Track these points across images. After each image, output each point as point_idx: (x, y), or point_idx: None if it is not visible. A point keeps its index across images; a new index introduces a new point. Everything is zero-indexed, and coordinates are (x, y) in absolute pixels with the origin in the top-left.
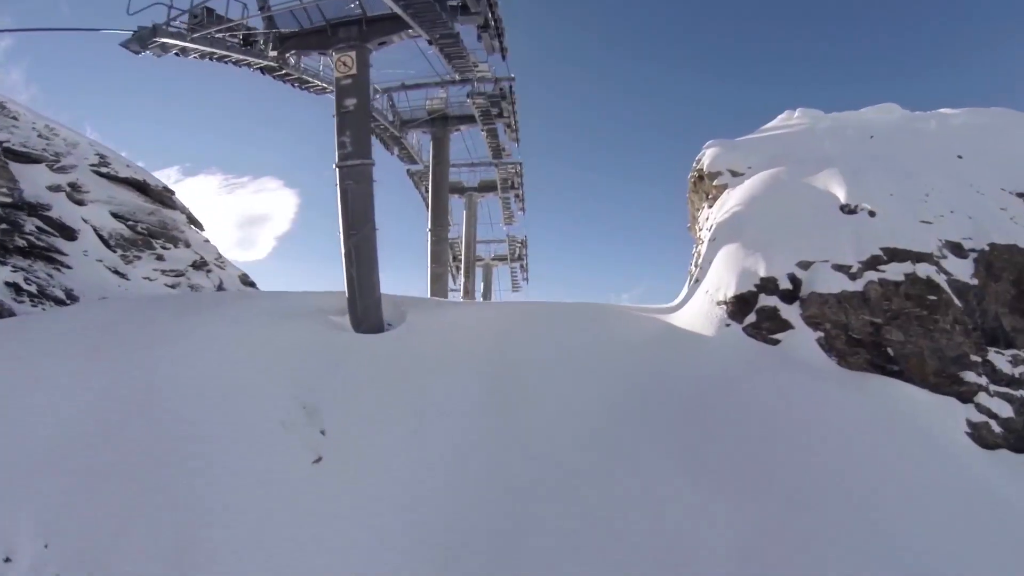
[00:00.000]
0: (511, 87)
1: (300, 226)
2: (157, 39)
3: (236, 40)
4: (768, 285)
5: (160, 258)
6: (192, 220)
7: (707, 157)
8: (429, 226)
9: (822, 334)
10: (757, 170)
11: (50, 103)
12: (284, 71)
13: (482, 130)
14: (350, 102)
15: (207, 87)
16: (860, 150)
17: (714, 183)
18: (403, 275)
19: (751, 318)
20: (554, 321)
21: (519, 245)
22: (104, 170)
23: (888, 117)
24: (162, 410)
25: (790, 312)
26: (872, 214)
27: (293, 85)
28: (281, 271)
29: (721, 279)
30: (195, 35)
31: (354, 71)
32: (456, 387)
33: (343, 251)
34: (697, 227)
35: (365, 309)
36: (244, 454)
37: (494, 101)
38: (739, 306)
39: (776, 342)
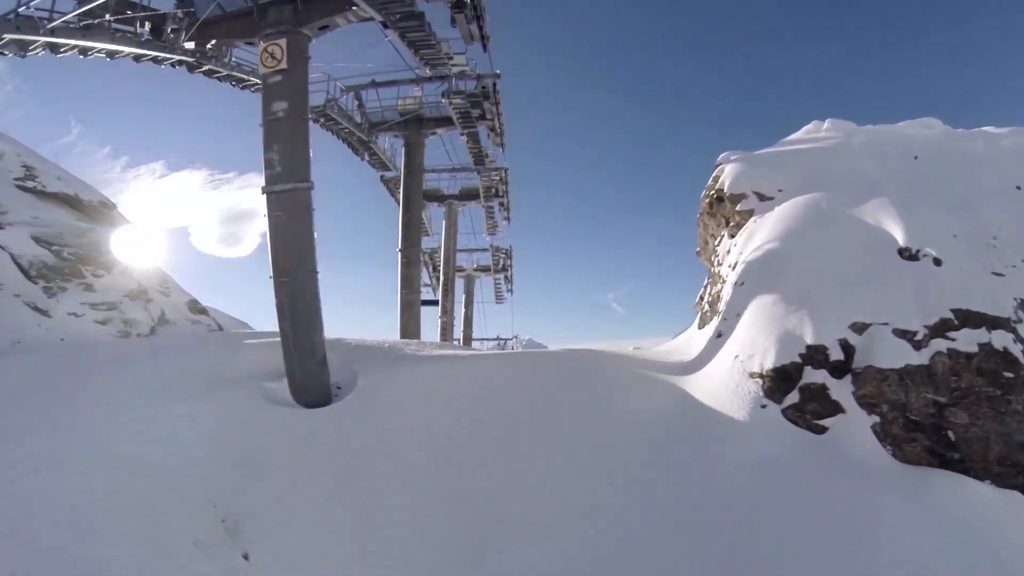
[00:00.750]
0: (495, 84)
1: None
2: (2, 35)
3: (131, 29)
4: (816, 355)
5: (89, 288)
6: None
7: (728, 175)
8: (399, 246)
9: (877, 418)
10: (789, 194)
11: (35, 95)
12: (207, 67)
13: (462, 134)
14: (279, 107)
15: (195, 80)
16: (906, 173)
17: (737, 208)
18: (377, 292)
19: (793, 397)
20: (542, 391)
21: (503, 255)
22: (30, 184)
23: (929, 133)
24: (41, 539)
25: (840, 390)
26: (937, 262)
27: (233, 84)
28: (266, 269)
29: (755, 343)
30: (53, 24)
31: (284, 65)
32: (415, 488)
33: (275, 302)
34: (714, 259)
35: (306, 376)
36: None
37: (475, 101)
38: (779, 382)
39: (823, 430)
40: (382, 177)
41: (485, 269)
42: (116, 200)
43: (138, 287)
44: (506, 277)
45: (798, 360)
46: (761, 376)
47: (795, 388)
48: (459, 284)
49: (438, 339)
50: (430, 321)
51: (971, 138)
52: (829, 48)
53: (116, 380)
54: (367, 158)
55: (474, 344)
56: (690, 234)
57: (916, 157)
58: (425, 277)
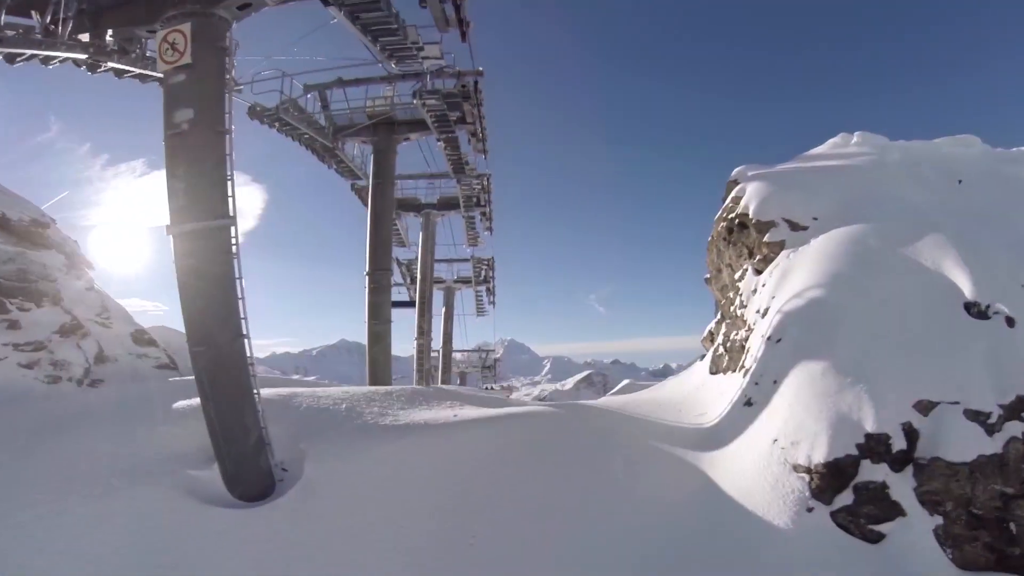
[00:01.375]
0: (476, 83)
1: (267, 223)
2: None
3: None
4: (876, 446)
5: (14, 326)
6: (75, 260)
7: (752, 197)
8: (367, 268)
9: (941, 519)
10: (827, 224)
11: (12, 92)
12: (111, 66)
13: (439, 139)
14: (183, 116)
15: None
16: (953, 201)
17: (765, 238)
18: (353, 307)
19: (846, 498)
20: (531, 476)
21: (485, 266)
22: None
23: (968, 153)
24: None
25: (900, 486)
26: (1011, 322)
27: (160, 85)
28: (247, 270)
29: (802, 427)
30: None
31: (188, 59)
32: None
33: (193, 373)
34: (734, 295)
35: (238, 465)
36: None
37: (452, 102)
38: (830, 479)
39: (879, 537)
40: (353, 186)
41: (466, 281)
42: (97, 199)
43: (71, 321)
44: (488, 289)
45: (855, 452)
46: (808, 471)
47: (848, 486)
48: (438, 297)
49: (414, 361)
50: (406, 325)
51: (1013, 160)
52: (829, 52)
53: (8, 468)
54: (334, 166)
55: (455, 356)
56: (674, 234)
57: (960, 181)
58: (398, 276)
